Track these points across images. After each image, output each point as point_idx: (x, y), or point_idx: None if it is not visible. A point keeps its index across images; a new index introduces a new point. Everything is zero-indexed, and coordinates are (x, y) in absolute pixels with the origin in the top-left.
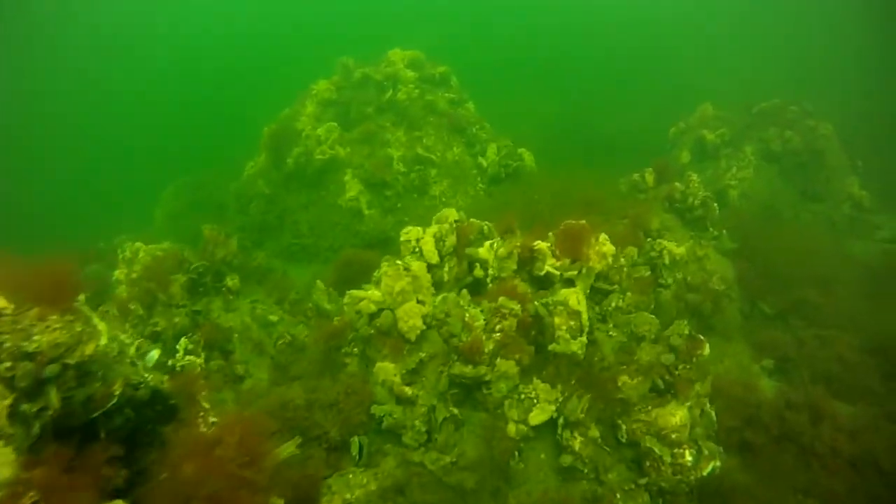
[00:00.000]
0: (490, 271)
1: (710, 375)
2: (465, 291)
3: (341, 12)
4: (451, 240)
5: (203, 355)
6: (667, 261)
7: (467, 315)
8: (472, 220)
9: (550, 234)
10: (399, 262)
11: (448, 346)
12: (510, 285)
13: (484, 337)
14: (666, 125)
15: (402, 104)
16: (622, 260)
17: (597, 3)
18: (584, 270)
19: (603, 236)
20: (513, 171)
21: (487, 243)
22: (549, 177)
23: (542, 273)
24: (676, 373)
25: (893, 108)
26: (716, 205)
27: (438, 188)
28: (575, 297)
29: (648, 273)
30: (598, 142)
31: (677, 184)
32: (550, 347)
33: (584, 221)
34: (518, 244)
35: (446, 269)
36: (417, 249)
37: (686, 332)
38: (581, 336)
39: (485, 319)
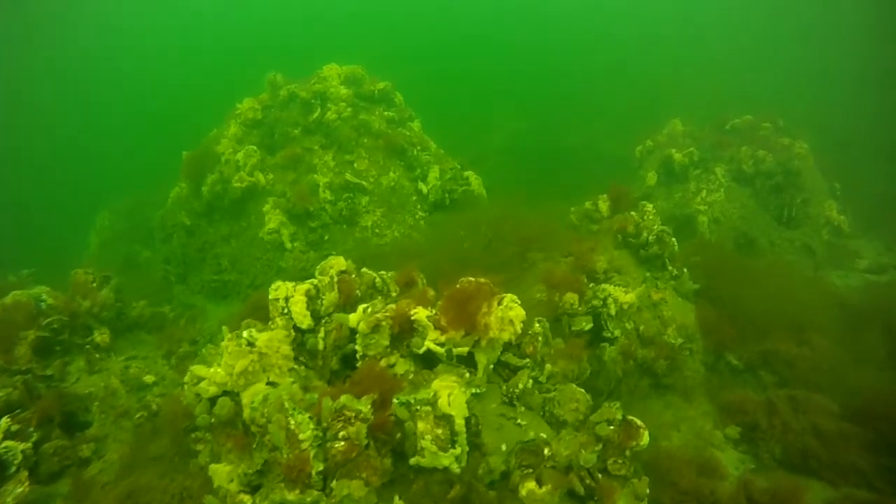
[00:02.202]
0: (357, 348)
1: (646, 478)
2: (296, 386)
3: (307, 25)
4: (332, 297)
5: (36, 436)
6: (612, 310)
7: (292, 422)
8: (364, 269)
9: (447, 295)
10: (245, 333)
11: (274, 459)
12: (377, 369)
13: (313, 452)
14: (639, 142)
15: (331, 125)
16: (537, 325)
17: (573, 19)
18: (483, 343)
19: (509, 298)
20: (458, 196)
21: (361, 307)
22: (496, 204)
23: (422, 350)
24: (599, 477)
25: (868, 126)
26: (674, 240)
27: (371, 218)
28: (446, 395)
29: (589, 326)
30: (567, 159)
31: (633, 213)
32: (412, 461)
33: (483, 279)
34: (390, 313)
35: (321, 334)
36: (287, 310)
37: (619, 416)
38: (454, 447)
39: (314, 430)
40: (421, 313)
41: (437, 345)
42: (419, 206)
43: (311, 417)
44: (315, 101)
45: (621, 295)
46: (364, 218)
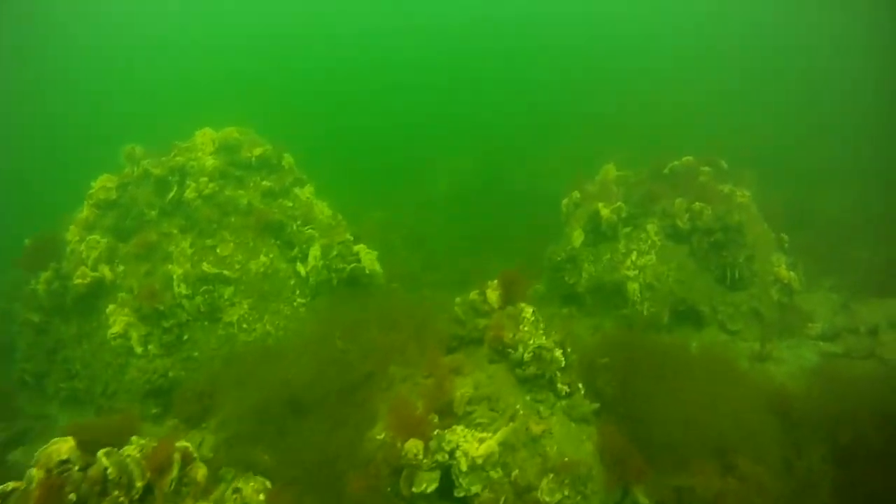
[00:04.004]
0: None
1: None
2: None
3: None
4: None
5: None
6: (463, 466)
7: None
8: (101, 453)
9: None
10: None
11: None
12: None
13: None
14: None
15: (191, 204)
16: None
17: (525, 55)
18: None
19: None
20: (348, 275)
21: None
22: (385, 289)
23: None
24: None
25: (814, 164)
26: (559, 353)
27: (237, 311)
28: None
29: (434, 486)
30: (509, 204)
31: (515, 307)
32: None
33: None
34: None
35: None
36: None
37: None
38: None
39: None
40: None
41: None
42: (298, 292)
43: None
44: (172, 178)
45: (472, 447)
46: (228, 312)
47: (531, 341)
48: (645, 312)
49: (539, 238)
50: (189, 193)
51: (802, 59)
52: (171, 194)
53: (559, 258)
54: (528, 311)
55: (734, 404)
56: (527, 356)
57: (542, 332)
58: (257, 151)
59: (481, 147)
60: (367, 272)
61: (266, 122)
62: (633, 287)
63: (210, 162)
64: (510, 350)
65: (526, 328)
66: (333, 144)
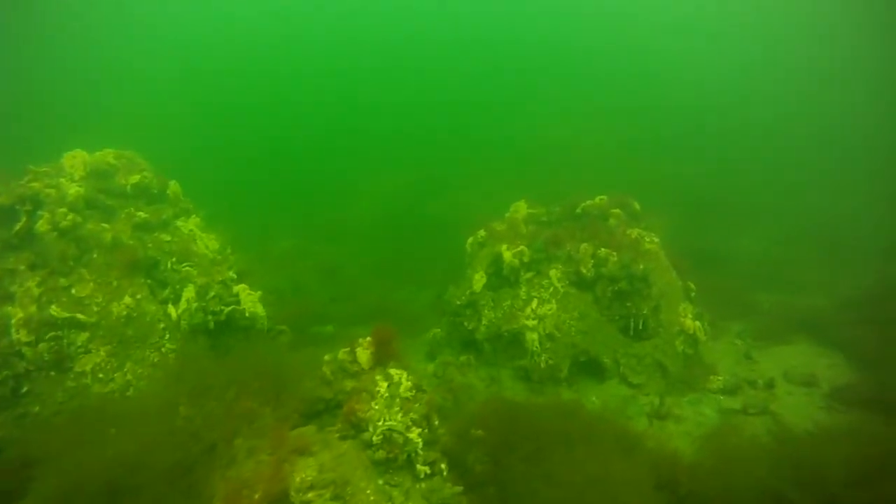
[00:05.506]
0: None
1: None
2: None
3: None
4: None
5: None
6: None
7: None
8: None
9: None
10: None
11: None
12: None
13: None
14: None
15: (44, 238)
16: None
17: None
18: None
19: None
20: (225, 318)
21: None
22: (273, 326)
23: None
24: None
25: (727, 206)
26: (416, 434)
27: (91, 360)
28: None
29: None
30: (427, 233)
31: (382, 372)
32: None
33: None
34: None
35: None
36: None
37: None
38: None
39: None
40: None
41: None
42: (168, 336)
43: None
44: (21, 207)
45: None
46: (81, 360)
47: (381, 421)
48: (543, 364)
49: (456, 271)
50: (42, 226)
51: (727, 101)
52: (19, 226)
53: (459, 302)
54: (384, 384)
55: (621, 482)
56: (376, 438)
57: (398, 408)
58: (134, 178)
59: (407, 170)
60: (248, 315)
61: (171, 142)
62: (532, 337)
63: (74, 189)
64: (363, 425)
65: (377, 406)
66: (247, 166)
